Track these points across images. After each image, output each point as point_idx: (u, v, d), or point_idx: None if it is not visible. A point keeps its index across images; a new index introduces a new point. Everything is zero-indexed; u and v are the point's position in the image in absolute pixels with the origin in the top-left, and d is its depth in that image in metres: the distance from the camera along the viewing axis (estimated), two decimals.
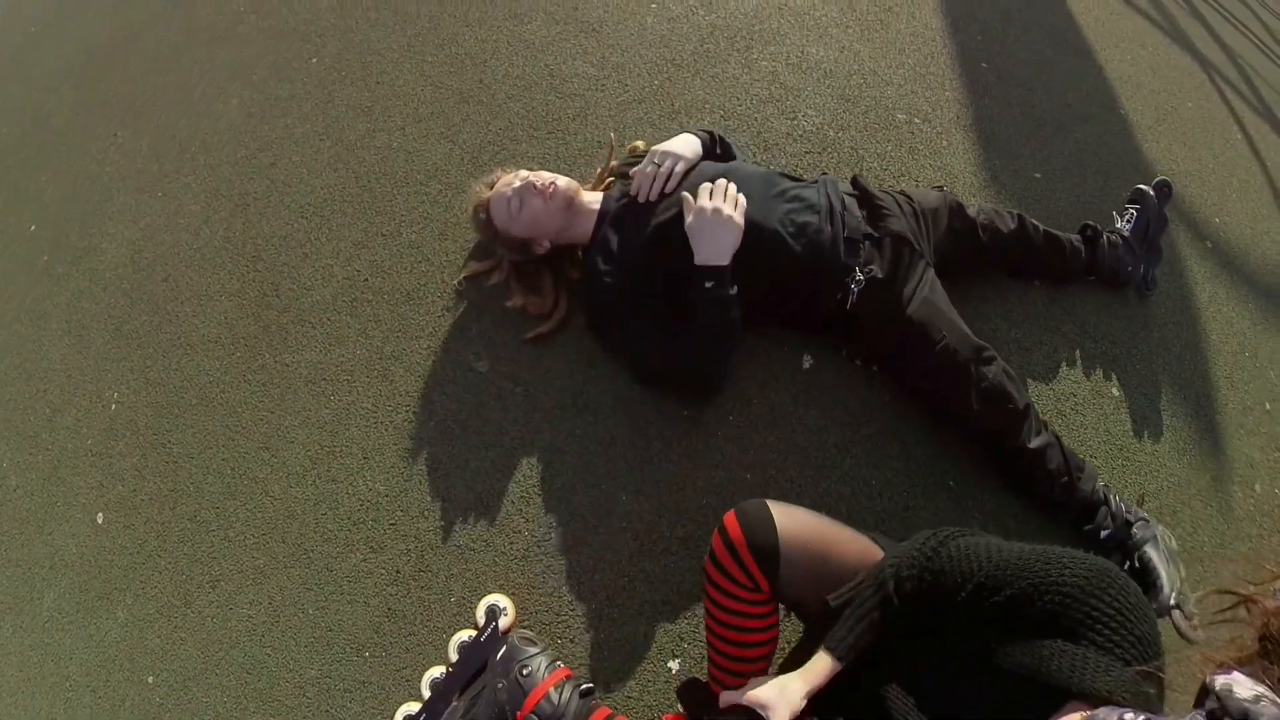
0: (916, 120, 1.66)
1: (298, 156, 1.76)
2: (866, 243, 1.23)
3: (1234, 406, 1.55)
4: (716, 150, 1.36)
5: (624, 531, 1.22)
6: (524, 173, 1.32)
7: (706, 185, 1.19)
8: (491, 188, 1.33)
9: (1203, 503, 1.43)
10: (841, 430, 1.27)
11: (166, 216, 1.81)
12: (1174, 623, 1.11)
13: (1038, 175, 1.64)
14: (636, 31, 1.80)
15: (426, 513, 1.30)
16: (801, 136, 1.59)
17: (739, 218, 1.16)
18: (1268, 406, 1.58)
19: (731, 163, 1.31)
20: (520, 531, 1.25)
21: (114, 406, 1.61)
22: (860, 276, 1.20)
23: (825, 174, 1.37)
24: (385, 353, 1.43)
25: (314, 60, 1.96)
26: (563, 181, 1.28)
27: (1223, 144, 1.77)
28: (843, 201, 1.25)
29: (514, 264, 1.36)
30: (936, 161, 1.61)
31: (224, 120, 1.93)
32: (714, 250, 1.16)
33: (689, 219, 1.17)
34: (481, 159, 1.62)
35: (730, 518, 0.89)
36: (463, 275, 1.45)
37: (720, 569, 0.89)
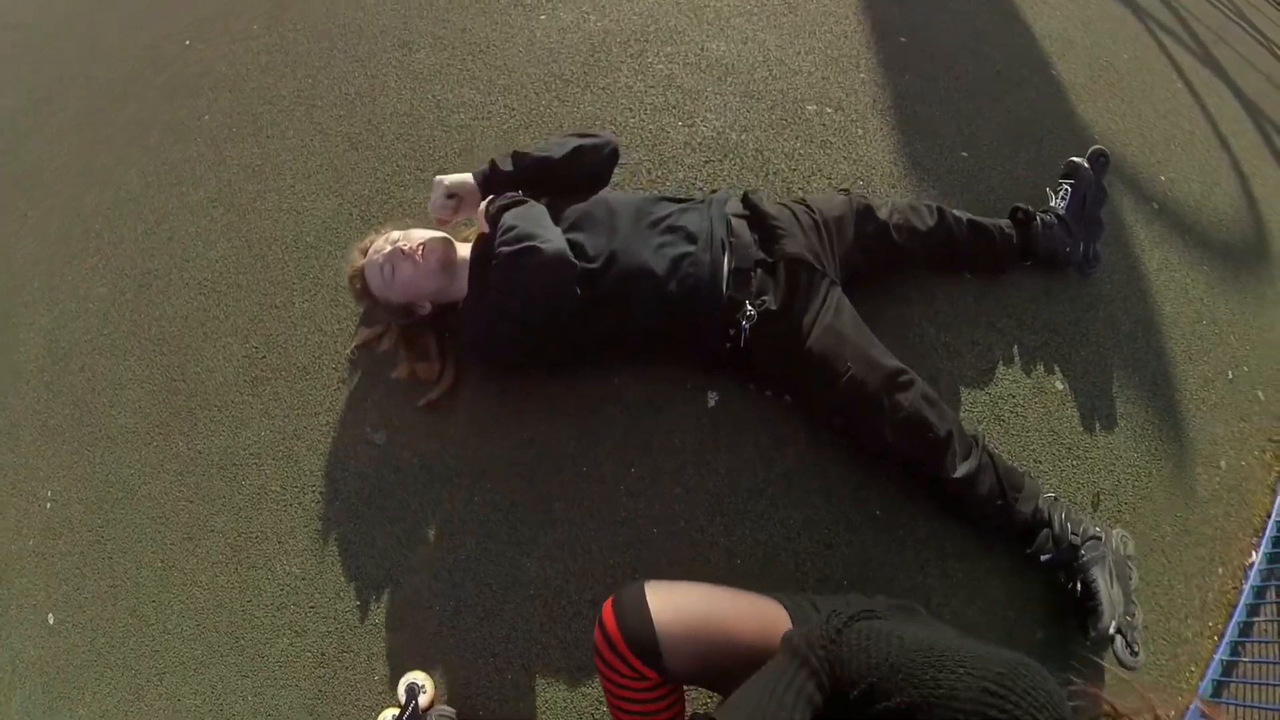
0: (829, 110, 1.54)
1: (193, 227, 1.70)
2: (759, 270, 1.14)
3: (1193, 381, 1.45)
4: (511, 177, 1.20)
5: (532, 599, 1.18)
6: (395, 234, 1.25)
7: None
8: (365, 254, 1.27)
9: (1164, 492, 1.35)
10: (753, 471, 1.21)
11: (77, 302, 1.78)
12: (1114, 651, 1.08)
13: (964, 154, 1.51)
14: (525, 47, 1.69)
15: (342, 593, 1.28)
16: (700, 145, 1.48)
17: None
18: (1230, 375, 1.47)
19: (599, 195, 1.21)
20: (432, 607, 1.22)
21: (49, 505, 1.61)
22: (750, 310, 1.12)
23: (715, 193, 1.27)
24: (288, 432, 1.40)
25: (206, 117, 1.89)
26: (433, 242, 1.21)
27: (1163, 95, 1.62)
28: (728, 226, 1.16)
29: (401, 328, 1.31)
30: (851, 153, 1.49)
31: (124, 191, 1.88)
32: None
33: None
34: (370, 212, 1.54)
35: (607, 609, 0.84)
36: (354, 344, 1.40)
37: (604, 661, 0.85)
